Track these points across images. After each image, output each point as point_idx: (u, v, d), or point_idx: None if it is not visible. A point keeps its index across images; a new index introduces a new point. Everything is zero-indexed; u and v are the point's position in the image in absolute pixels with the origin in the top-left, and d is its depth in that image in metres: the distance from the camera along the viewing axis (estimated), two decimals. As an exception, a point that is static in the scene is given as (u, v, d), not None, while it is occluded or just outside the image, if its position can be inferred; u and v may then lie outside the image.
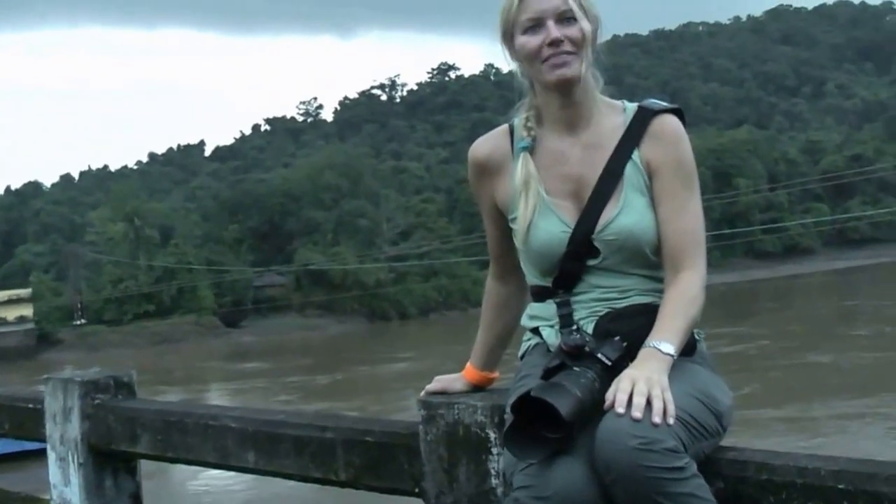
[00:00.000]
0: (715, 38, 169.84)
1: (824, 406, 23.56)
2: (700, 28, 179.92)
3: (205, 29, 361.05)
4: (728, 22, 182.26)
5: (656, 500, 1.86)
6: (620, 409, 1.91)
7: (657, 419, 1.89)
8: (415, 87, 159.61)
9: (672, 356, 2.06)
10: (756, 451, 2.07)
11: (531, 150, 2.35)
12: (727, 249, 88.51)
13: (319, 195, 77.59)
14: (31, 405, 3.71)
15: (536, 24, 2.27)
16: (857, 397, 24.18)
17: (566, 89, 2.29)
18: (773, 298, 64.41)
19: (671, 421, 1.91)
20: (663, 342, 2.08)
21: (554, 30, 2.25)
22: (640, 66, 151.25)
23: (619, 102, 2.37)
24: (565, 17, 2.26)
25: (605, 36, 2.34)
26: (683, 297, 2.19)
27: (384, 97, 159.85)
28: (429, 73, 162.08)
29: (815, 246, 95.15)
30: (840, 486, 1.88)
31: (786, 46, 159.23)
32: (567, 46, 2.25)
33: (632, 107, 2.34)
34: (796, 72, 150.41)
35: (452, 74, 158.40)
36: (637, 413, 1.89)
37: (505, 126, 2.45)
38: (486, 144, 2.44)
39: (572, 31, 2.25)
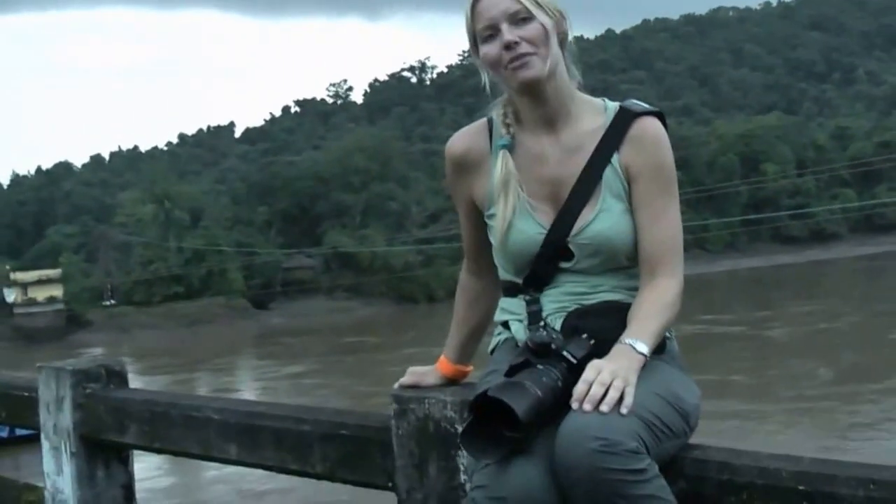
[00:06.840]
0: (745, 23, 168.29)
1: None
2: (730, 13, 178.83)
3: (229, 10, 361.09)
4: (758, 7, 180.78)
5: (616, 503, 1.82)
6: (575, 405, 1.89)
7: (605, 408, 1.86)
8: (445, 70, 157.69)
9: (645, 356, 2.01)
10: (718, 451, 2.02)
11: (510, 148, 2.27)
12: (754, 234, 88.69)
13: (349, 178, 76.48)
14: (25, 393, 3.57)
15: (492, 32, 2.18)
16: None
17: (534, 90, 2.20)
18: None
19: (624, 411, 1.87)
20: (638, 341, 2.03)
21: (507, 33, 2.16)
22: (670, 51, 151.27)
23: (599, 101, 2.29)
24: (518, 18, 2.17)
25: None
26: (660, 301, 2.14)
27: (414, 80, 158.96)
28: (459, 55, 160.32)
29: (841, 231, 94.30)
30: (800, 488, 1.85)
31: (816, 32, 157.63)
32: (525, 48, 2.16)
33: (613, 106, 2.26)
34: (826, 58, 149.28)
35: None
36: (588, 406, 1.87)
37: (483, 121, 2.35)
38: (464, 140, 2.35)
39: (528, 31, 2.16)
